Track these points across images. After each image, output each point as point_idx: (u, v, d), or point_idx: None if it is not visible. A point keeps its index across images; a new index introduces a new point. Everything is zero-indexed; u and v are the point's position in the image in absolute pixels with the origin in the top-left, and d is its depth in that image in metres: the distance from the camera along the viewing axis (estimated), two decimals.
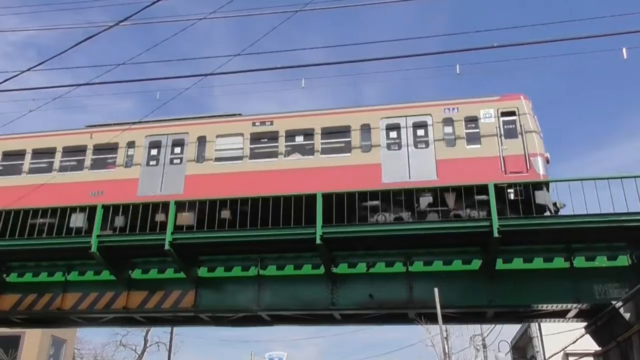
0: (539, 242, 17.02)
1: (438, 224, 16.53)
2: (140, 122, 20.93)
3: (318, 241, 16.26)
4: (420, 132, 18.96)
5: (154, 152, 20.51)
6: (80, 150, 20.97)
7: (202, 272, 18.77)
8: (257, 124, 20.01)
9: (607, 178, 15.60)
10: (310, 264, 18.09)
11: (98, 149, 20.89)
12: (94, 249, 17.53)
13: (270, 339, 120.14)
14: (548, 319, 19.48)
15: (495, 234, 15.38)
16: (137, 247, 18.11)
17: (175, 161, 20.17)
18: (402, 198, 17.28)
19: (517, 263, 17.10)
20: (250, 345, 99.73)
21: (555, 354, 26.36)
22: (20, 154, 21.52)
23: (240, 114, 20.75)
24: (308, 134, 19.59)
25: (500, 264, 16.94)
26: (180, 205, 18.03)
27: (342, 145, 19.38)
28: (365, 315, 19.59)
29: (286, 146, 19.62)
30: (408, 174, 18.42)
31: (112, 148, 20.73)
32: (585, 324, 18.75)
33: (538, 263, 17.04)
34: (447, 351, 22.92)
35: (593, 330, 18.11)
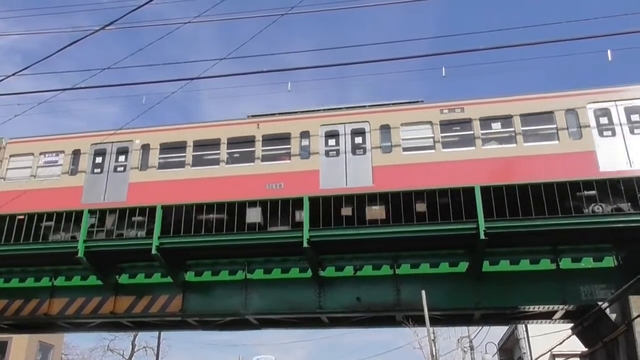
0: (526, 244, 17.11)
1: (425, 226, 16.44)
2: (313, 111, 19.99)
3: (305, 245, 16.32)
4: (635, 117, 17.59)
5: (331, 142, 19.19)
6: (249, 141, 19.56)
7: (189, 276, 18.76)
8: (445, 111, 18.79)
9: None
10: (298, 268, 18.13)
11: (268, 139, 19.50)
12: (80, 254, 17.50)
13: (258, 342, 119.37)
14: (535, 321, 19.60)
15: (482, 236, 15.48)
16: (124, 251, 18.05)
17: (357, 151, 18.90)
18: (622, 187, 16.18)
19: (504, 265, 17.19)
20: (238, 349, 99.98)
21: (542, 355, 26.48)
22: (180, 147, 19.98)
23: (422, 101, 19.55)
24: (506, 120, 18.34)
25: (487, 266, 17.02)
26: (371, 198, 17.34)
27: (548, 132, 17.93)
28: (352, 318, 19.63)
29: (482, 134, 18.29)
30: (628, 162, 16.97)
31: (284, 138, 19.38)
32: (571, 325, 18.85)
33: (524, 265, 17.12)
34: (434, 353, 22.92)
35: (579, 331, 18.21)
